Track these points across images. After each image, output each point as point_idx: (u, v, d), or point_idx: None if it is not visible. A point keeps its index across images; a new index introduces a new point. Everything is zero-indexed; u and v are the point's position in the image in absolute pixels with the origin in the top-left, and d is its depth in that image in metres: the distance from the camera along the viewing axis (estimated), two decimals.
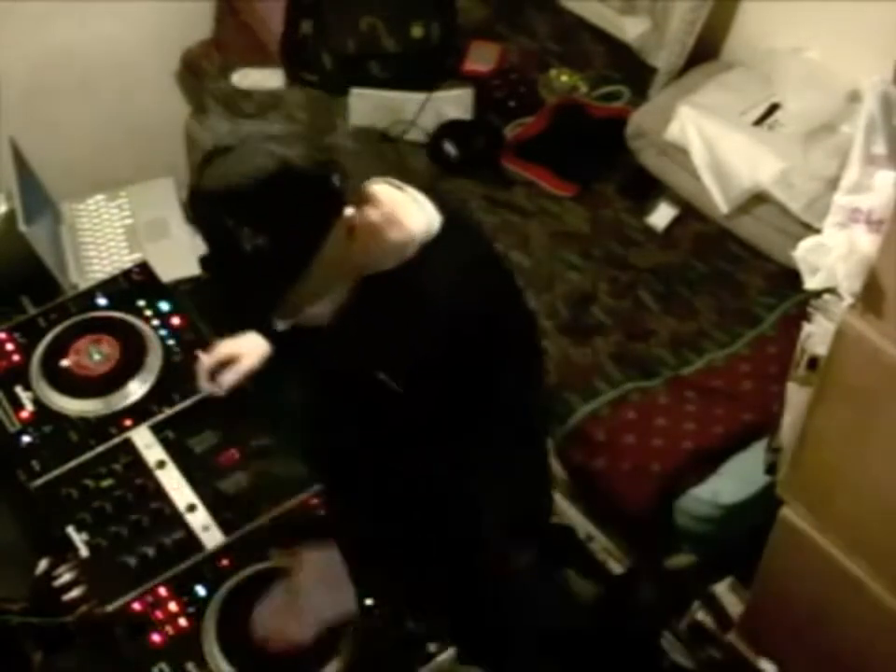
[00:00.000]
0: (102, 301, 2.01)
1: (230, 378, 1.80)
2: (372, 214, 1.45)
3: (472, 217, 1.73)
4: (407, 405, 1.57)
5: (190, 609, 1.58)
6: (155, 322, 1.96)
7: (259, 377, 1.82)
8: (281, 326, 1.67)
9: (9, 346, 1.94)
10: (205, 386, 1.82)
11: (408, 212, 1.51)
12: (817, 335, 1.53)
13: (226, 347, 1.83)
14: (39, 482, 1.75)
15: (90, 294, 2.03)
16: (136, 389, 1.87)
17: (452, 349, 1.48)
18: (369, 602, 1.58)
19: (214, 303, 2.01)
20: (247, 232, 1.34)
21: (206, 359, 1.82)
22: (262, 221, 1.35)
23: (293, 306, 1.47)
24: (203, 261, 1.51)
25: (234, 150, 1.38)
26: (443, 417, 1.55)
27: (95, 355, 1.91)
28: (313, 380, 1.83)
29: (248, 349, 1.81)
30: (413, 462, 1.58)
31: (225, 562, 1.64)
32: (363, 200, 1.44)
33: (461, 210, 1.64)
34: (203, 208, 1.43)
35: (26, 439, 1.80)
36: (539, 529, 1.98)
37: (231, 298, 1.53)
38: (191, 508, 1.70)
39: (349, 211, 1.41)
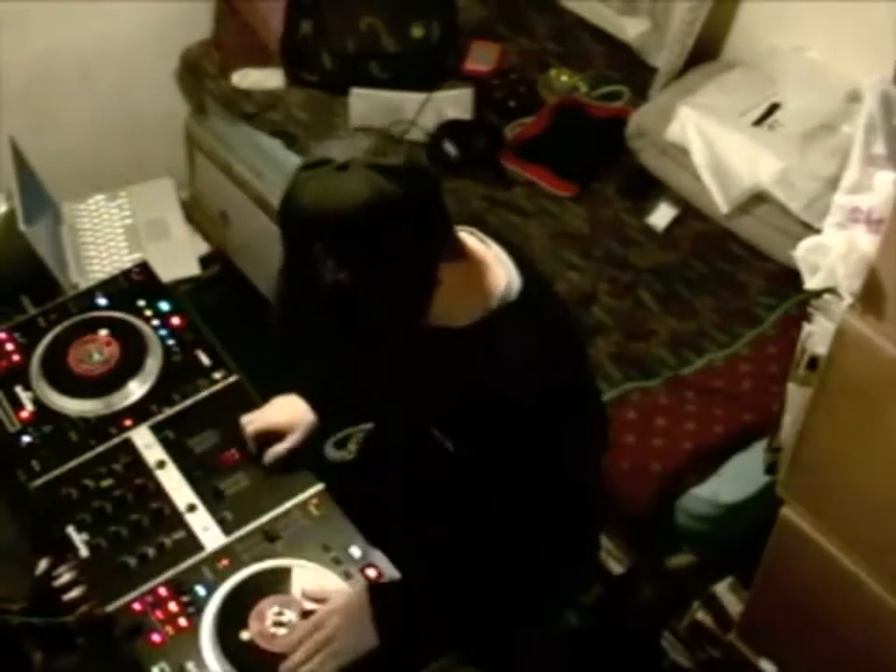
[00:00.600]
0: (102, 301, 2.01)
1: (279, 451, 1.73)
2: (458, 268, 1.38)
3: (549, 280, 1.64)
4: (458, 463, 1.54)
5: (190, 609, 1.58)
6: (155, 322, 1.96)
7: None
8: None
9: (9, 346, 1.94)
10: (254, 449, 1.75)
11: (491, 270, 1.44)
12: (817, 335, 1.53)
13: (273, 417, 1.75)
14: (39, 482, 1.75)
15: (90, 294, 2.03)
16: (136, 389, 1.86)
17: (513, 418, 1.42)
18: None
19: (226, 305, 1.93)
20: (332, 264, 1.26)
21: (251, 426, 1.74)
22: (353, 258, 1.26)
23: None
24: (280, 275, 1.36)
25: (342, 171, 1.29)
26: (494, 480, 1.50)
27: (95, 355, 1.91)
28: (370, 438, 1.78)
29: (293, 420, 1.74)
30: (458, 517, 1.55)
31: (225, 562, 1.64)
32: (453, 253, 1.38)
33: (541, 274, 1.56)
34: (293, 222, 1.32)
35: (26, 439, 1.80)
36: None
37: (292, 323, 1.41)
38: (191, 508, 1.70)
39: (444, 266, 1.34)
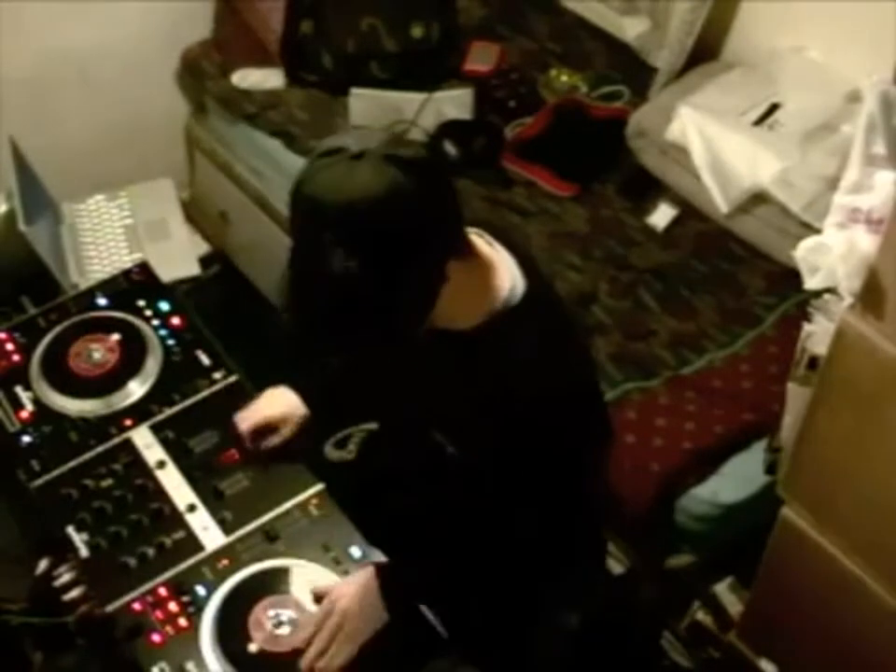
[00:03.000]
0: (102, 301, 2.01)
1: (273, 444, 1.74)
2: (465, 267, 1.38)
3: (552, 284, 1.64)
4: (460, 467, 1.53)
5: (190, 609, 1.58)
6: (155, 322, 1.96)
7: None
8: (340, 357, 1.61)
9: (9, 346, 1.94)
10: (250, 447, 1.76)
11: (497, 273, 1.44)
12: (817, 335, 1.53)
13: (266, 411, 1.76)
14: (39, 482, 1.75)
15: (90, 294, 2.03)
16: (136, 389, 1.86)
17: (515, 421, 1.41)
18: None
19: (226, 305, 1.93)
20: (341, 253, 1.26)
21: (245, 423, 1.75)
22: (361, 248, 1.26)
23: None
24: (289, 263, 1.35)
25: (355, 160, 1.28)
26: (496, 482, 1.50)
27: (95, 355, 1.91)
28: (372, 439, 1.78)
29: (288, 416, 1.75)
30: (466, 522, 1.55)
31: (225, 562, 1.64)
32: (462, 251, 1.37)
33: (544, 278, 1.56)
34: (303, 208, 1.31)
35: (26, 439, 1.80)
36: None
37: (300, 313, 1.41)
38: (191, 508, 1.70)
39: (453, 262, 1.34)
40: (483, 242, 1.46)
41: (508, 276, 1.45)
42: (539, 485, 1.49)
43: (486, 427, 1.44)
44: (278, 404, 1.77)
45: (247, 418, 1.76)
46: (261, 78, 2.88)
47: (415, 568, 1.58)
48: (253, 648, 1.53)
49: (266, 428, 1.76)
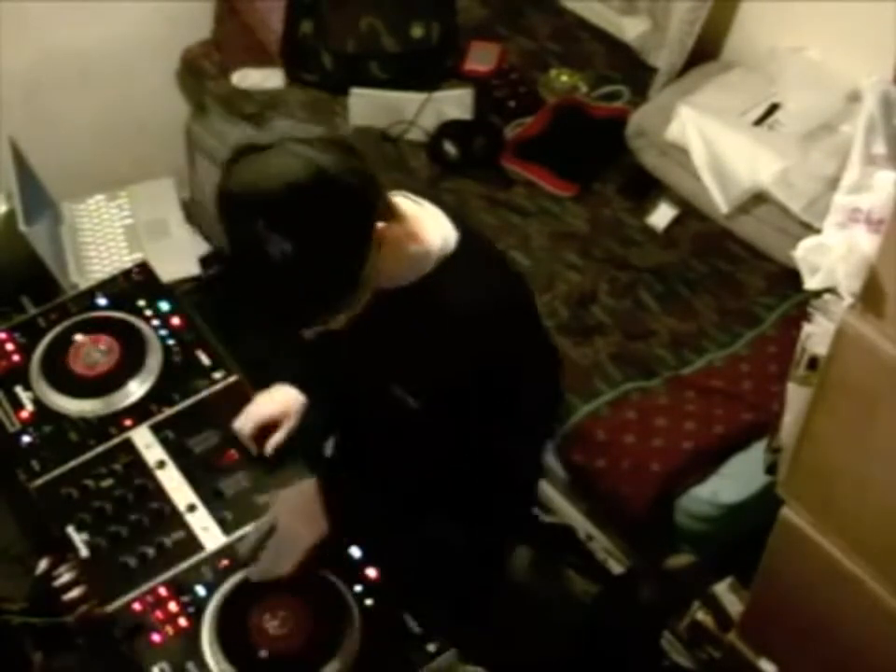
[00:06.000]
0: (102, 301, 2.01)
1: (278, 440, 1.76)
2: (396, 227, 1.43)
3: (484, 233, 1.72)
4: (424, 421, 1.57)
5: (190, 609, 1.58)
6: (155, 322, 1.96)
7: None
8: (308, 334, 1.64)
9: (9, 346, 1.94)
10: (255, 449, 1.77)
11: (427, 227, 1.50)
12: (817, 335, 1.53)
13: (264, 409, 1.77)
14: (39, 482, 1.75)
15: (90, 294, 2.03)
16: (136, 389, 1.86)
17: (470, 365, 1.47)
18: (369, 602, 1.59)
19: (226, 305, 1.98)
20: (276, 238, 1.31)
21: (246, 425, 1.76)
22: (294, 228, 1.32)
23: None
24: (227, 262, 1.46)
25: (267, 151, 1.34)
26: (460, 433, 1.55)
27: (95, 355, 1.91)
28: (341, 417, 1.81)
29: (287, 409, 1.77)
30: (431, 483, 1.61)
31: (225, 562, 1.64)
32: (387, 213, 1.42)
33: (474, 226, 1.63)
34: (231, 207, 1.38)
35: (26, 439, 1.80)
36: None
37: (252, 304, 1.49)
38: (191, 508, 1.70)
39: (380, 225, 1.39)
40: (408, 201, 1.52)
41: (438, 229, 1.51)
42: (493, 428, 1.56)
43: (440, 372, 1.49)
44: (276, 400, 1.79)
45: (245, 423, 1.76)
46: (261, 78, 2.89)
47: (359, 487, 1.65)
48: (253, 648, 1.53)
49: (268, 428, 1.76)
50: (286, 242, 1.31)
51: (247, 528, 1.67)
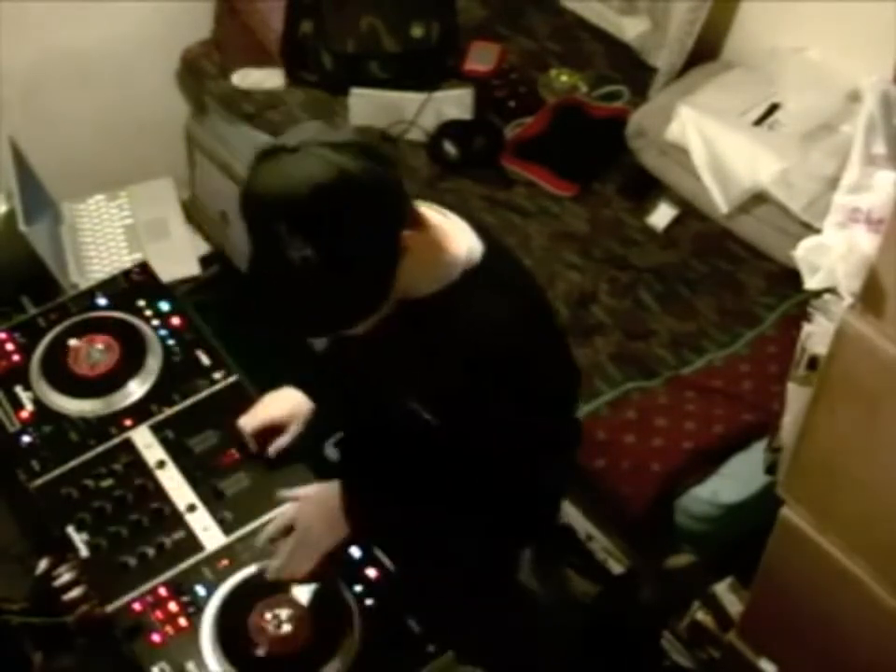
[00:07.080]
0: (102, 301, 2.01)
1: (282, 444, 1.75)
2: (421, 236, 1.41)
3: (509, 246, 1.68)
4: (441, 436, 1.55)
5: (190, 609, 1.58)
6: (155, 322, 1.96)
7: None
8: (319, 345, 1.63)
9: (9, 346, 1.94)
10: (254, 446, 1.76)
11: (453, 237, 1.47)
12: (817, 335, 1.53)
13: (272, 412, 1.76)
14: (39, 482, 1.75)
15: (90, 294, 2.03)
16: (136, 389, 1.87)
17: (488, 380, 1.43)
18: (369, 602, 1.59)
19: (226, 305, 1.96)
20: (298, 243, 1.29)
21: (250, 424, 1.75)
22: (316, 233, 1.29)
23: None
24: (249, 265, 1.41)
25: (294, 153, 1.32)
26: (476, 448, 1.52)
27: (95, 355, 1.91)
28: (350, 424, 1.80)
29: (294, 413, 1.76)
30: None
31: (225, 562, 1.64)
32: (413, 222, 1.40)
33: (500, 240, 1.60)
34: (253, 209, 1.36)
35: (26, 439, 1.80)
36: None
37: (269, 309, 1.46)
38: (191, 508, 1.70)
39: (405, 233, 1.37)
40: (434, 212, 1.50)
41: (464, 241, 1.49)
42: (511, 451, 1.53)
43: (456, 388, 1.46)
44: (283, 404, 1.77)
45: (250, 421, 1.75)
46: (261, 78, 2.89)
47: (379, 497, 1.64)
48: (253, 648, 1.53)
49: (272, 430, 1.75)
50: (307, 247, 1.29)
51: (247, 528, 1.67)
